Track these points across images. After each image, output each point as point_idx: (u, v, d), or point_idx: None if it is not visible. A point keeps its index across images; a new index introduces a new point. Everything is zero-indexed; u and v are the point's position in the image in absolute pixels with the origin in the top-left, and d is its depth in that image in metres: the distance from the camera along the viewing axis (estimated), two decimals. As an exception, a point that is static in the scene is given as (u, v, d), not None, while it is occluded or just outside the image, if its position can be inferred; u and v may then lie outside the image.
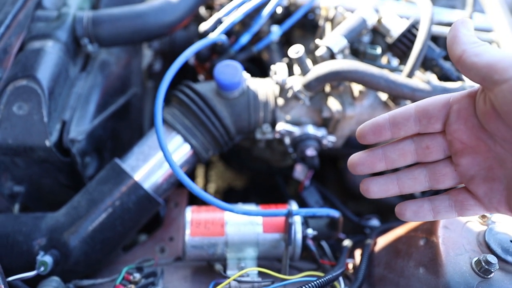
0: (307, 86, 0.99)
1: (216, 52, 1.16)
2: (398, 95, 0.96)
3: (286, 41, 1.32)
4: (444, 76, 1.06)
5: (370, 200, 0.88)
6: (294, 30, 1.29)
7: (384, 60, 1.12)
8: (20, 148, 0.91)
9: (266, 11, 1.12)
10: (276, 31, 1.16)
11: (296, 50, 0.99)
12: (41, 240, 0.88)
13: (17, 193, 1.03)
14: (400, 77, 0.96)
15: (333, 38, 1.01)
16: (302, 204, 1.09)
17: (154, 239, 1.06)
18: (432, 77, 1.04)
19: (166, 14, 1.13)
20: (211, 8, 1.34)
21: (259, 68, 1.29)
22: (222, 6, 1.25)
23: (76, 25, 1.07)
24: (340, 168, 1.45)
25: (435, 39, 1.31)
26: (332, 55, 1.01)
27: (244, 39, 1.13)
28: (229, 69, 1.01)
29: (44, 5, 1.12)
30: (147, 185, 0.97)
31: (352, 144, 1.21)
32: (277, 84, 1.02)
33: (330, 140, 1.08)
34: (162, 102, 0.89)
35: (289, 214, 0.88)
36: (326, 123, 1.07)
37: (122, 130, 1.26)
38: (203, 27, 1.14)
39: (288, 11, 1.20)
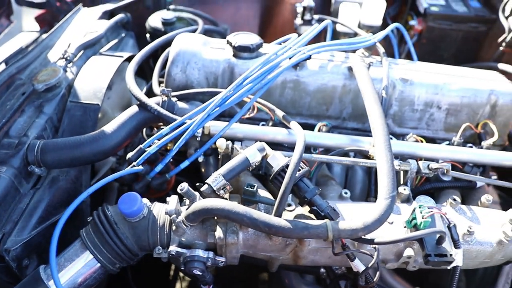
0: (187, 218, 1.16)
1: (138, 177, 1.37)
2: (259, 230, 1.10)
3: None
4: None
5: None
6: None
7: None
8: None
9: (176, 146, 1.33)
10: (185, 163, 1.35)
11: (181, 187, 1.18)
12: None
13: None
14: (264, 215, 1.10)
15: (213, 177, 1.18)
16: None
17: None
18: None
19: (100, 144, 1.37)
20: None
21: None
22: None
23: (28, 153, 1.35)
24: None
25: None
26: (214, 191, 1.18)
27: (158, 168, 1.34)
28: (129, 200, 1.21)
29: (10, 134, 1.42)
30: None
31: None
32: (166, 214, 1.20)
33: (220, 260, 1.22)
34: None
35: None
36: (215, 246, 1.22)
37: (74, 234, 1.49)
38: (129, 155, 1.37)
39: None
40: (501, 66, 2.00)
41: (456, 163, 1.51)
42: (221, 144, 1.28)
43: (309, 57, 1.51)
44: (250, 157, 1.21)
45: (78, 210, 1.48)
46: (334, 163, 1.60)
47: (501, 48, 2.08)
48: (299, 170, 1.18)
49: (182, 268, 1.24)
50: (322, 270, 1.49)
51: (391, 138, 1.55)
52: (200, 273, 1.20)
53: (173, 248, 1.20)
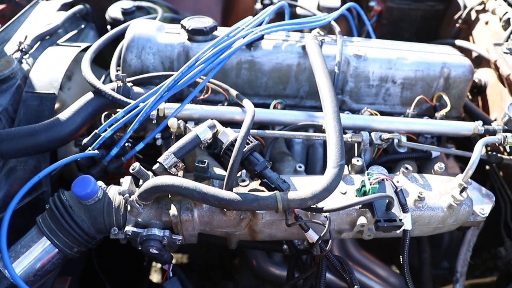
0: (140, 197, 1.17)
1: (94, 161, 1.38)
2: (210, 204, 1.11)
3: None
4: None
5: None
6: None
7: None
8: None
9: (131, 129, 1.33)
10: (140, 145, 1.36)
11: (133, 167, 1.18)
12: None
13: None
14: (213, 189, 1.11)
15: (164, 155, 1.19)
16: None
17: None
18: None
19: (55, 131, 1.37)
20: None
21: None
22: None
23: (-19, 147, 1.35)
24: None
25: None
26: (165, 169, 1.19)
27: (113, 151, 1.35)
28: (82, 182, 1.22)
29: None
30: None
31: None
32: (119, 195, 1.21)
33: (177, 239, 1.23)
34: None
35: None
36: (171, 225, 1.23)
37: (30, 224, 1.49)
38: (84, 140, 1.37)
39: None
40: (458, 42, 2.05)
41: (411, 135, 1.54)
42: (173, 123, 1.29)
43: (262, 37, 1.52)
44: (201, 134, 1.22)
45: (39, 200, 1.48)
46: (295, 142, 1.63)
47: (457, 25, 2.12)
48: (248, 144, 1.19)
49: (139, 248, 1.25)
50: (285, 246, 1.51)
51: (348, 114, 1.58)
52: (157, 252, 1.21)
53: (129, 228, 1.21)
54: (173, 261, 1.31)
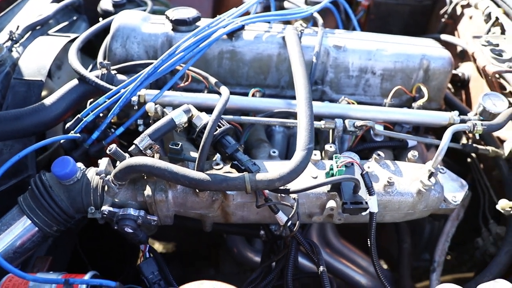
0: (116, 177, 1.21)
1: (76, 144, 1.43)
2: (181, 184, 1.15)
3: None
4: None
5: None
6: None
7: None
8: None
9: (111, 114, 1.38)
10: (120, 129, 1.40)
11: (110, 148, 1.23)
12: None
13: None
14: (184, 169, 1.15)
15: (140, 137, 1.23)
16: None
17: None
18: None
19: (40, 116, 1.42)
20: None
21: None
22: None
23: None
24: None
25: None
26: (140, 151, 1.23)
27: (94, 135, 1.39)
28: (62, 163, 1.27)
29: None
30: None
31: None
32: (96, 175, 1.26)
33: (152, 219, 1.27)
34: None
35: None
36: (146, 205, 1.28)
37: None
38: (67, 124, 1.42)
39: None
40: (443, 36, 2.07)
41: (388, 124, 1.57)
42: (150, 107, 1.34)
43: (242, 27, 1.56)
44: (176, 118, 1.27)
45: (25, 184, 1.53)
46: (275, 132, 1.67)
47: (443, 20, 2.14)
48: (220, 127, 1.23)
49: (115, 227, 1.29)
50: (262, 232, 1.55)
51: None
52: (132, 231, 1.25)
53: (105, 208, 1.26)
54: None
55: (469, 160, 1.88)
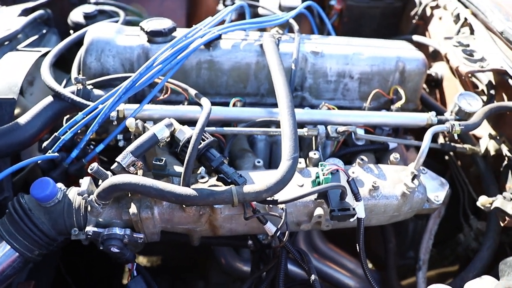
0: (99, 197, 1.18)
1: (55, 164, 1.38)
2: (167, 200, 1.13)
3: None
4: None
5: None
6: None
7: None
8: None
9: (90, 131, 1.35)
10: (100, 146, 1.37)
11: (91, 167, 1.20)
12: None
13: None
14: (170, 186, 1.13)
15: (122, 155, 1.20)
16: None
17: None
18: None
19: (14, 136, 1.37)
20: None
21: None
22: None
23: None
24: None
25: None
26: (123, 168, 1.20)
27: (74, 153, 1.35)
28: (41, 184, 1.22)
29: None
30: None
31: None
32: (78, 195, 1.22)
33: (138, 237, 1.24)
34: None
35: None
36: (132, 223, 1.25)
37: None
38: (44, 143, 1.38)
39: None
40: (415, 37, 2.11)
41: (368, 128, 1.59)
42: (131, 123, 1.31)
43: (219, 36, 1.55)
44: (158, 133, 1.24)
45: (1, 206, 1.47)
46: (258, 140, 1.66)
47: (414, 21, 2.19)
48: (204, 141, 1.22)
49: (101, 248, 1.26)
50: (250, 242, 1.54)
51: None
52: (118, 251, 1.22)
53: (89, 228, 1.22)
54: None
55: (446, 158, 1.92)
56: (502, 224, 1.44)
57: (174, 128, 1.28)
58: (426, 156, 2.02)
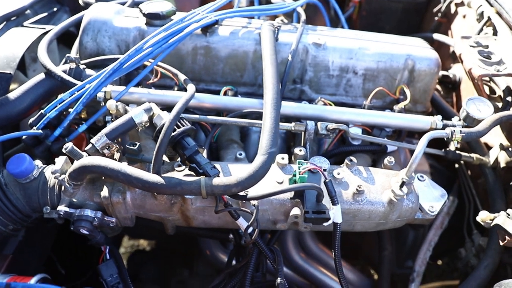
0: (70, 177, 1.17)
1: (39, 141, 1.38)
2: (134, 186, 1.10)
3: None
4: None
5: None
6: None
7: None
8: None
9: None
10: (83, 126, 1.36)
11: (65, 147, 1.18)
12: None
13: None
14: (138, 172, 1.10)
15: (96, 137, 1.18)
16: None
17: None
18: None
19: (3, 110, 1.38)
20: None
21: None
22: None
23: None
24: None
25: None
26: (97, 150, 1.18)
27: (57, 132, 1.35)
28: (17, 160, 1.22)
29: None
30: None
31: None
32: (51, 174, 1.21)
33: (110, 221, 1.23)
34: None
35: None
36: (104, 206, 1.23)
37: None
38: (30, 120, 1.38)
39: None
40: (436, 36, 1.98)
41: (366, 127, 1.50)
42: (111, 105, 1.28)
43: (216, 22, 1.50)
44: (136, 117, 1.21)
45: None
46: (252, 131, 1.61)
47: (436, 18, 2.05)
48: (179, 127, 1.18)
49: (72, 228, 1.25)
50: (231, 236, 1.49)
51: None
52: (88, 232, 1.21)
53: (61, 208, 1.21)
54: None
55: (457, 165, 1.80)
56: (501, 243, 1.32)
57: (153, 113, 1.24)
58: (437, 162, 1.91)
